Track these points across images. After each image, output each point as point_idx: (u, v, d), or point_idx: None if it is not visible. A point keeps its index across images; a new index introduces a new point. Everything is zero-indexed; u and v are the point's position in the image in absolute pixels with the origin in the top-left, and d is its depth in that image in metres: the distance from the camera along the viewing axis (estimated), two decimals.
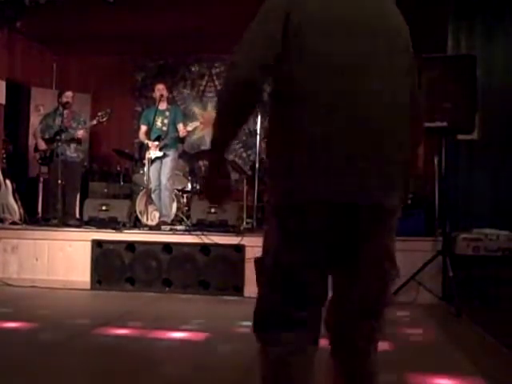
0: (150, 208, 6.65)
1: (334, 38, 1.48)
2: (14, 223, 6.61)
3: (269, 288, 1.65)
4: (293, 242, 1.52)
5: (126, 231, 5.87)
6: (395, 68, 1.52)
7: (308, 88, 1.46)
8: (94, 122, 6.78)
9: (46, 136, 6.78)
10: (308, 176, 1.46)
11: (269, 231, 1.63)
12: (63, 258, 5.69)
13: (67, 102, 6.73)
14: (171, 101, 7.47)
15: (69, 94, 6.85)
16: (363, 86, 1.46)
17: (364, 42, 1.49)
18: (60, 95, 6.91)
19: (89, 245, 5.62)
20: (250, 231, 6.36)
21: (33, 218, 7.22)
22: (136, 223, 6.66)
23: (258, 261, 1.67)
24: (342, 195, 1.46)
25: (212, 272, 5.37)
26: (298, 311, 1.56)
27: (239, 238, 5.44)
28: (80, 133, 6.72)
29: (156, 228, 6.12)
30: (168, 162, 6.49)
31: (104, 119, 6.68)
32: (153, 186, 6.48)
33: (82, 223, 6.25)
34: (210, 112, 9.42)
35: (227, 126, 1.59)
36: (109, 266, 5.54)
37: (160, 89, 6.57)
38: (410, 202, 5.42)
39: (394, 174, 1.53)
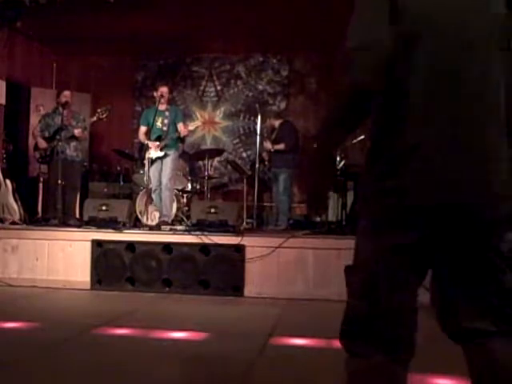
0: (150, 208, 6.65)
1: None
2: (13, 223, 6.62)
3: (357, 297, 1.52)
4: (390, 249, 1.43)
5: (125, 231, 5.86)
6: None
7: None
8: (94, 118, 6.79)
9: (46, 134, 6.79)
10: (414, 178, 1.38)
11: (362, 236, 1.55)
12: (63, 257, 5.69)
13: (66, 102, 6.74)
14: (171, 101, 7.47)
15: (67, 93, 6.86)
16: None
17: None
18: (58, 95, 6.92)
19: (89, 245, 5.62)
20: (250, 231, 6.37)
21: (33, 218, 7.23)
22: (136, 223, 6.67)
23: (348, 268, 1.61)
24: (451, 196, 1.37)
25: (212, 272, 5.37)
26: (387, 327, 1.44)
27: (239, 238, 5.44)
28: (77, 131, 6.72)
29: (156, 228, 6.12)
30: (168, 162, 6.49)
31: (104, 115, 6.68)
32: (153, 185, 6.48)
33: (82, 223, 6.25)
34: (210, 112, 9.44)
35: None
36: (109, 266, 5.53)
37: (163, 91, 6.56)
38: None
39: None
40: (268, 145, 7.49)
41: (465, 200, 1.37)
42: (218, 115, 9.43)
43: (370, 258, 1.51)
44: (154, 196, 6.55)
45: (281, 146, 7.35)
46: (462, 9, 1.40)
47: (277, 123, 7.68)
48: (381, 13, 1.35)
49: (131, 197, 7.48)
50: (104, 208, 6.20)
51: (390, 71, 1.37)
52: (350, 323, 1.49)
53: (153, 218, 6.71)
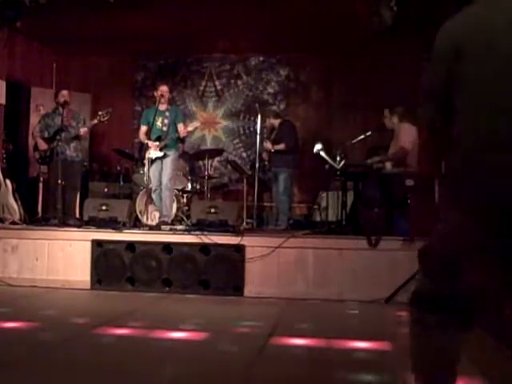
0: (150, 208, 6.65)
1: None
2: (13, 223, 6.61)
3: (424, 272, 1.86)
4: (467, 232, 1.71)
5: (125, 231, 5.86)
6: None
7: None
8: (95, 121, 6.78)
9: (46, 135, 6.79)
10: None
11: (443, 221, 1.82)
12: (63, 257, 5.68)
13: (65, 102, 6.72)
14: (171, 101, 7.47)
15: (65, 92, 6.85)
16: None
17: None
18: (56, 95, 6.91)
19: (89, 245, 5.62)
20: (250, 231, 6.37)
21: (33, 218, 7.23)
22: (136, 223, 6.67)
23: (421, 248, 1.89)
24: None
25: (212, 272, 5.37)
26: (449, 298, 1.77)
27: (239, 238, 5.44)
28: (83, 130, 6.72)
29: (156, 228, 6.12)
30: (169, 162, 6.49)
31: (105, 118, 6.68)
32: (153, 185, 6.48)
33: (82, 223, 6.25)
34: (210, 112, 9.44)
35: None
36: (109, 265, 5.53)
37: (163, 90, 6.56)
38: None
39: None
40: (268, 145, 7.49)
41: None
42: (218, 115, 9.43)
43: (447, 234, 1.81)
44: (153, 196, 6.54)
45: (281, 146, 7.35)
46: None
47: (276, 123, 7.67)
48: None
49: (131, 197, 7.47)
50: (104, 208, 6.20)
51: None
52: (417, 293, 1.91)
53: (153, 217, 6.71)
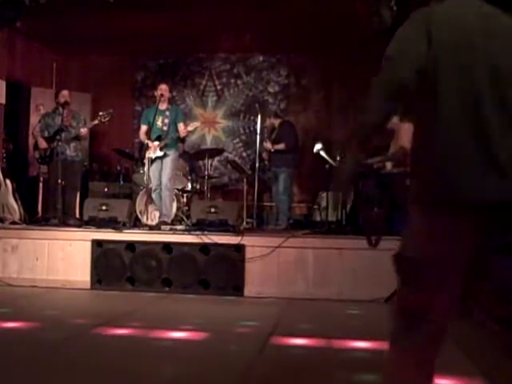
0: (150, 208, 6.65)
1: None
2: (14, 223, 6.61)
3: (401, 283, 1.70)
4: (435, 240, 1.60)
5: (125, 231, 5.86)
6: None
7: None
8: (96, 121, 6.79)
9: (46, 135, 6.79)
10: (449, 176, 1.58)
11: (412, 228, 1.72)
12: (63, 257, 5.68)
13: (66, 102, 6.73)
14: (171, 100, 7.47)
15: (65, 92, 6.85)
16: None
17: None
18: (57, 95, 6.92)
19: (89, 245, 5.62)
20: (250, 231, 6.37)
21: (33, 218, 7.23)
22: (136, 223, 6.66)
23: (395, 256, 1.74)
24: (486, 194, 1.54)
25: (212, 272, 5.37)
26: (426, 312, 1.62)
27: (239, 238, 5.44)
28: (84, 130, 6.73)
29: (156, 228, 6.11)
30: (169, 162, 6.48)
31: (106, 119, 6.69)
32: (153, 185, 6.48)
33: (82, 223, 6.25)
34: (210, 112, 9.45)
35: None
36: (109, 265, 5.53)
37: (163, 89, 6.56)
38: None
39: None
40: (268, 145, 7.49)
41: None
42: (218, 115, 9.43)
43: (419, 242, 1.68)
44: (153, 196, 6.54)
45: (281, 146, 7.36)
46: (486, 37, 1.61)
47: (277, 123, 7.68)
48: (420, 37, 1.63)
49: (131, 196, 7.47)
50: (104, 208, 6.20)
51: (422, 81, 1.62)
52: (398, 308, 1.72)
53: (153, 217, 6.70)
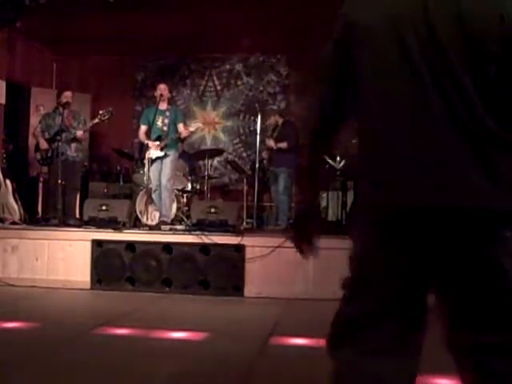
0: (150, 208, 6.65)
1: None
2: (14, 223, 6.61)
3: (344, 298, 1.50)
4: (373, 248, 1.44)
5: (125, 231, 5.86)
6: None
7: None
8: (96, 120, 6.79)
9: (46, 135, 6.79)
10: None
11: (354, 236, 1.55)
12: (63, 257, 5.68)
13: (67, 102, 6.73)
14: (171, 101, 7.47)
15: (68, 93, 6.85)
16: None
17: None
18: (59, 95, 6.92)
19: (89, 245, 5.62)
20: (250, 231, 6.37)
21: (33, 218, 7.23)
22: (136, 223, 6.66)
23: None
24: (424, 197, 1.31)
25: (212, 272, 5.37)
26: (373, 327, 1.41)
27: (239, 238, 5.44)
28: (79, 133, 6.73)
29: (156, 228, 6.11)
30: (168, 163, 6.48)
31: (106, 117, 6.69)
32: (153, 185, 6.47)
33: (82, 223, 6.25)
34: (210, 112, 9.45)
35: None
36: (109, 265, 5.53)
37: (162, 88, 6.57)
38: None
39: None
40: (271, 142, 7.47)
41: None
42: (218, 115, 9.43)
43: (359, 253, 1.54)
44: (153, 196, 6.54)
45: (284, 145, 7.34)
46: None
47: (280, 121, 7.68)
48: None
49: (131, 197, 7.47)
50: (104, 208, 6.20)
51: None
52: (339, 324, 1.48)
53: (153, 217, 6.70)
